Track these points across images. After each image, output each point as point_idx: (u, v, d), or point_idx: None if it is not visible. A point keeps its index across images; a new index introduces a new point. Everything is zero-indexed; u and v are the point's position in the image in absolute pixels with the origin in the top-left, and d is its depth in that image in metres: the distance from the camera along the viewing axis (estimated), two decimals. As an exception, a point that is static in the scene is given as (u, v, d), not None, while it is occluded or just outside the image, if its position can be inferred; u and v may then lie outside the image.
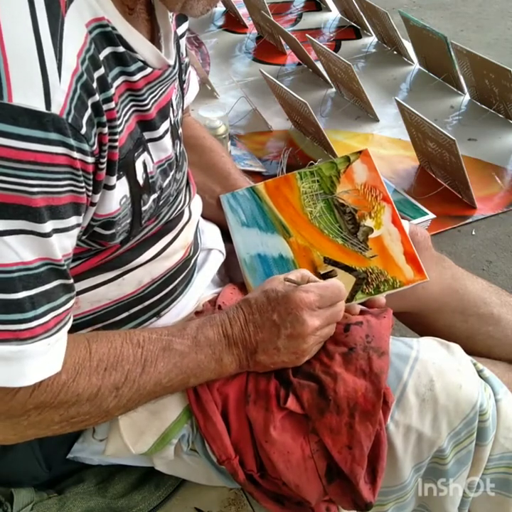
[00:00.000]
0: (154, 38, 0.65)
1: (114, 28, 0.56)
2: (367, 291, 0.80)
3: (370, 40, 2.77)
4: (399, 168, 1.98)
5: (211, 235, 0.88)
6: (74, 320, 0.60)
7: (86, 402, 0.60)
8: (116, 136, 0.56)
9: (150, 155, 0.64)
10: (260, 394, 0.69)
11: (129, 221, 0.63)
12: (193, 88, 0.89)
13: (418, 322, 0.95)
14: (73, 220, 0.54)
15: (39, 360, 0.53)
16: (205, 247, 0.85)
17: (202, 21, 2.99)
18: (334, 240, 0.84)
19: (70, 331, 0.58)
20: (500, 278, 1.61)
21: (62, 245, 0.53)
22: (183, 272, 0.77)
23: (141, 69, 0.60)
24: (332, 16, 3.03)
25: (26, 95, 0.46)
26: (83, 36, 0.52)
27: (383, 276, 0.80)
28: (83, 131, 0.51)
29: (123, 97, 0.58)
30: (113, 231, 0.62)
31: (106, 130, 0.54)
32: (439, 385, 0.69)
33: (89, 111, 0.52)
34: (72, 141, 0.50)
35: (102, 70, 0.54)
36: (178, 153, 0.73)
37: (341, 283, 0.72)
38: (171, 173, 0.70)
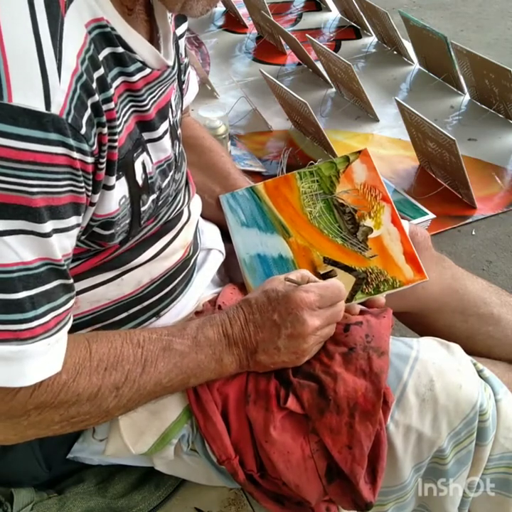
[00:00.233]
0: (153, 38, 0.65)
1: (113, 29, 0.56)
2: (367, 291, 0.80)
3: (370, 40, 2.77)
4: (399, 168, 1.98)
5: (211, 235, 0.88)
6: (73, 320, 0.60)
7: (86, 402, 0.60)
8: (116, 137, 0.56)
9: (149, 155, 0.64)
10: (260, 394, 0.69)
11: (128, 221, 0.63)
12: (192, 88, 0.89)
13: (418, 322, 0.95)
14: (73, 220, 0.54)
15: (39, 360, 0.53)
16: (205, 246, 0.85)
17: (202, 21, 2.99)
18: (334, 240, 0.84)
19: (69, 331, 0.58)
20: (500, 278, 1.61)
21: (62, 245, 0.53)
22: (182, 272, 0.77)
23: (140, 69, 0.60)
24: (332, 16, 3.03)
25: (26, 95, 0.47)
26: (83, 36, 0.52)
27: (383, 276, 0.80)
28: (83, 131, 0.51)
29: (122, 97, 0.58)
30: (112, 231, 0.62)
31: (105, 130, 0.54)
32: (439, 385, 0.69)
33: (88, 111, 0.52)
34: (71, 142, 0.50)
35: (101, 71, 0.54)
36: (177, 154, 0.73)
37: (341, 283, 0.72)
38: (170, 174, 0.70)
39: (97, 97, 0.52)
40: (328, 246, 0.84)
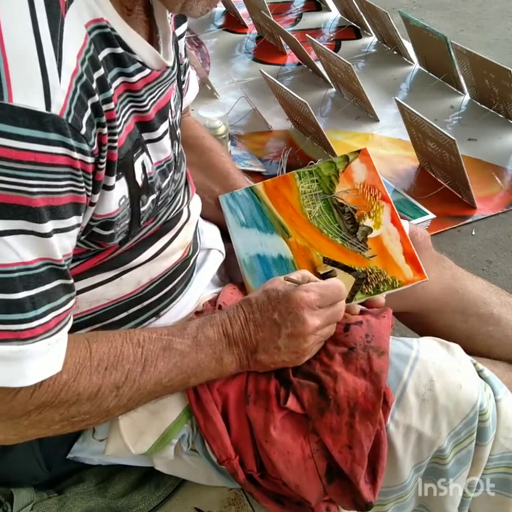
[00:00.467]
0: (153, 39, 0.66)
1: (112, 29, 0.56)
2: (366, 291, 0.80)
3: (370, 40, 2.77)
4: (399, 168, 1.98)
5: (210, 235, 0.88)
6: (73, 320, 0.60)
7: (86, 402, 0.60)
8: (116, 137, 0.56)
9: (149, 156, 0.64)
10: (260, 394, 0.69)
11: (127, 222, 0.63)
12: (192, 89, 0.89)
13: (418, 322, 0.95)
14: (73, 220, 0.54)
15: (39, 360, 0.53)
16: (205, 246, 0.85)
17: (202, 21, 2.99)
18: (333, 240, 0.84)
19: (68, 331, 0.58)
20: (500, 278, 1.61)
21: (63, 245, 0.53)
22: (182, 272, 0.77)
23: (139, 70, 0.60)
24: (332, 16, 3.03)
25: (26, 96, 0.47)
26: (83, 37, 0.52)
27: (383, 276, 0.80)
28: (83, 131, 0.51)
29: (122, 97, 0.58)
30: (112, 232, 0.62)
31: (105, 130, 0.54)
32: (439, 385, 0.69)
33: (89, 111, 0.52)
34: (72, 142, 0.50)
35: (101, 71, 0.54)
36: (176, 154, 0.73)
37: (342, 282, 0.72)
38: (170, 174, 0.70)
39: (97, 98, 0.53)
40: (328, 246, 0.84)
